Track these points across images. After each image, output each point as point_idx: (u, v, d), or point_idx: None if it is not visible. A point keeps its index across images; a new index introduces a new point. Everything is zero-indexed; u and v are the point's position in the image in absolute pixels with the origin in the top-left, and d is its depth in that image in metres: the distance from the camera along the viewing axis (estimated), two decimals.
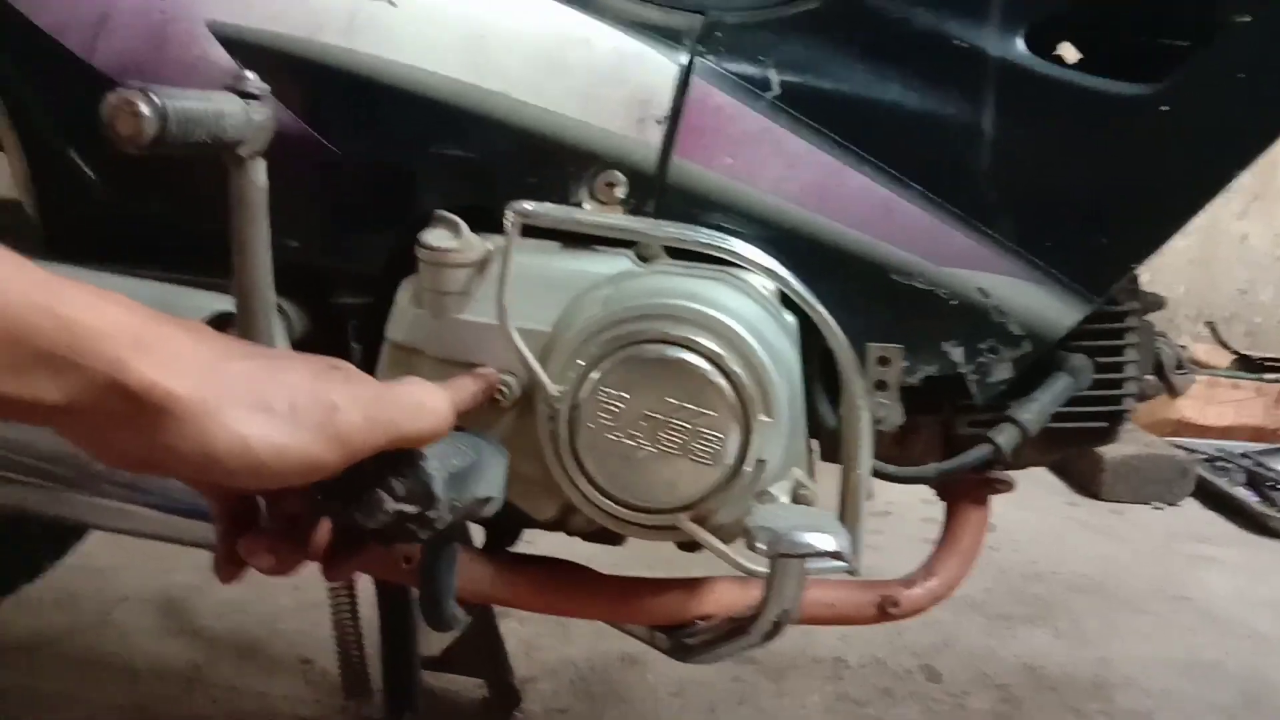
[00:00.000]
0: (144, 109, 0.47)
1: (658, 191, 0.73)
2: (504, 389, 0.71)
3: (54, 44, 0.70)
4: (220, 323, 0.74)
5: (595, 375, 0.67)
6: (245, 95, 0.58)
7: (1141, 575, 1.92)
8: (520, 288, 0.68)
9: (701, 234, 0.69)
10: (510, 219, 0.67)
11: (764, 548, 0.57)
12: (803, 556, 0.57)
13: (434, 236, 0.71)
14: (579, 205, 0.73)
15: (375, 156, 0.73)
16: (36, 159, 0.84)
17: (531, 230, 0.69)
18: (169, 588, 1.52)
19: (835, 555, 0.57)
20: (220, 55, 0.70)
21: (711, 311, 0.67)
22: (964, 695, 1.45)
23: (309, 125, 0.71)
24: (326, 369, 0.51)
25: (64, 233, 0.88)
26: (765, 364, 0.67)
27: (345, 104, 0.71)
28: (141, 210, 0.77)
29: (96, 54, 0.70)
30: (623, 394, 0.67)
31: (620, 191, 0.73)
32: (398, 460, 0.54)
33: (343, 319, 0.80)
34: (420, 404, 0.54)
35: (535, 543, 0.84)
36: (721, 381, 0.66)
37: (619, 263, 0.72)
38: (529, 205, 0.69)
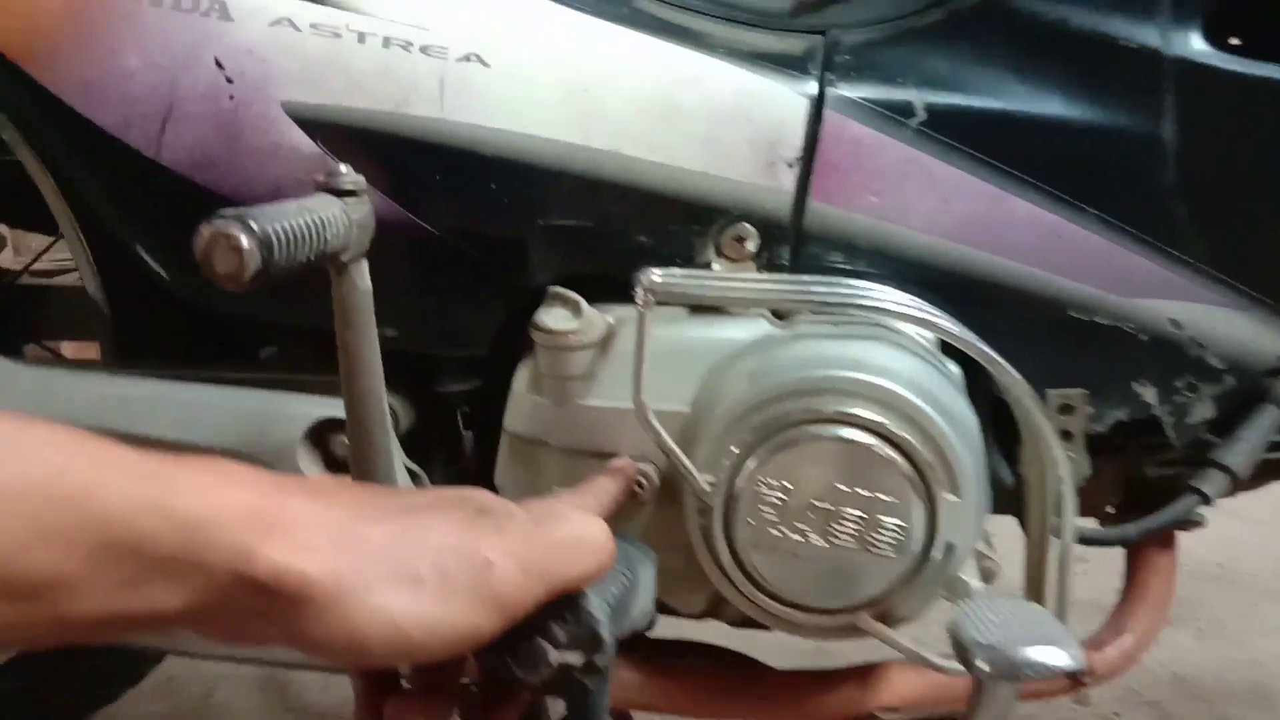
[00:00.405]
0: (245, 241, 0.40)
1: (794, 241, 0.65)
2: (643, 480, 0.63)
3: (117, 144, 0.64)
4: (325, 429, 0.67)
5: (751, 464, 0.59)
6: (341, 193, 0.51)
7: (1277, 559, 1.79)
8: (650, 363, 0.60)
9: (862, 294, 0.60)
10: (641, 295, 0.59)
11: (987, 669, 0.49)
12: (1036, 678, 0.48)
13: (551, 318, 0.63)
14: (707, 265, 0.65)
15: (477, 233, 0.65)
16: (102, 257, 0.78)
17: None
18: None
19: (1073, 675, 0.48)
20: (300, 139, 0.63)
21: (878, 381, 0.58)
22: (1116, 718, 1.35)
23: (402, 206, 0.64)
24: (474, 516, 0.44)
25: (134, 328, 0.83)
26: (946, 435, 0.58)
27: (441, 180, 0.64)
28: (221, 310, 0.70)
29: (164, 150, 0.63)
30: (785, 483, 0.59)
31: (752, 245, 0.65)
32: (557, 603, 0.47)
33: (451, 406, 0.73)
34: (579, 542, 0.46)
35: None
36: (899, 460, 0.58)
37: (756, 326, 0.64)
38: (658, 276, 0.60)
